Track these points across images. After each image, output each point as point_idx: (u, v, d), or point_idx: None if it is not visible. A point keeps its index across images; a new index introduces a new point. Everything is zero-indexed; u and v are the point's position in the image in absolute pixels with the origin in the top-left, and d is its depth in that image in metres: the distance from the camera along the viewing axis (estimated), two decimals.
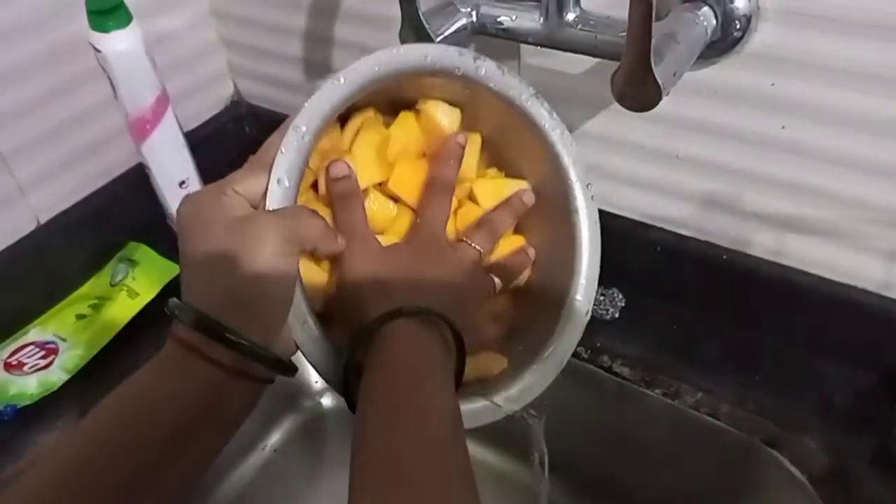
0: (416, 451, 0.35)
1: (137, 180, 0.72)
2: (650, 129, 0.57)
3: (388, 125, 0.50)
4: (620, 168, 0.61)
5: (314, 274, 0.45)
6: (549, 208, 0.52)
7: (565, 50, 0.51)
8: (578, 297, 0.51)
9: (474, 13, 0.54)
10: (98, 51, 0.61)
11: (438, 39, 0.51)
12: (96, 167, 0.73)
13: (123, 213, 0.74)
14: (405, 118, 0.50)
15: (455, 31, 0.53)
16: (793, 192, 0.54)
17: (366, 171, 0.47)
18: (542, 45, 0.52)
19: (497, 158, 0.54)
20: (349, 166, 0.46)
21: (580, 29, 0.50)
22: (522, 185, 0.53)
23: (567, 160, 0.50)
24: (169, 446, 0.37)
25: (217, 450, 0.40)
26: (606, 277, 0.66)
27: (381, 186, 0.49)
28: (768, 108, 0.51)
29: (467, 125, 0.51)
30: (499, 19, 0.53)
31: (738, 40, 0.49)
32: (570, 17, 0.50)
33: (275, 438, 0.80)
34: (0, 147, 0.64)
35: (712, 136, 0.55)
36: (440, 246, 0.48)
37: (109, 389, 0.38)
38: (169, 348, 0.38)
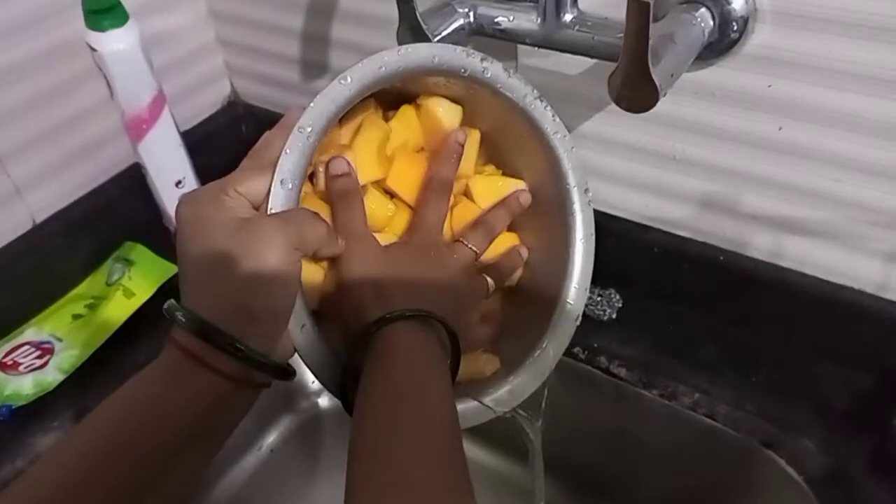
0: (415, 458, 0.35)
1: (134, 180, 0.72)
2: (647, 131, 0.57)
3: (386, 117, 0.49)
4: (618, 169, 0.61)
5: (310, 272, 0.44)
6: (545, 209, 0.52)
7: (563, 51, 0.51)
8: (570, 300, 0.51)
9: (472, 14, 0.54)
10: (94, 50, 0.61)
11: (436, 40, 0.51)
12: (93, 167, 0.73)
13: (120, 212, 0.74)
14: (406, 112, 0.50)
15: (452, 32, 0.53)
16: (790, 194, 0.54)
17: (366, 167, 0.47)
18: (539, 46, 0.52)
19: (495, 155, 0.54)
20: (349, 163, 0.45)
21: (577, 30, 0.50)
22: (519, 184, 0.53)
23: (567, 164, 0.50)
24: (170, 452, 0.37)
25: (214, 452, 0.40)
26: (604, 278, 0.66)
27: (379, 182, 0.49)
28: (765, 110, 0.51)
29: (467, 121, 0.51)
30: (496, 20, 0.53)
31: (735, 42, 0.49)
32: (568, 17, 0.50)
33: (272, 439, 0.80)
34: None
35: (710, 138, 0.55)
36: (437, 247, 0.48)
37: (106, 390, 0.37)
38: (170, 355, 0.38)
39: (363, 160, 0.46)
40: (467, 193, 0.52)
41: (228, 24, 0.79)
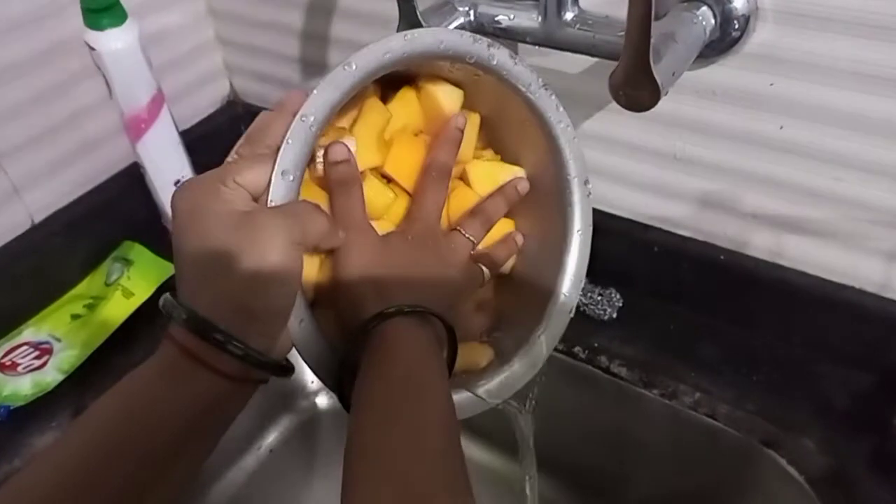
0: (413, 455, 0.34)
1: (133, 179, 0.72)
2: (648, 129, 0.57)
3: (385, 97, 0.48)
4: (618, 168, 0.61)
5: (306, 262, 0.42)
6: (543, 198, 0.51)
7: (563, 49, 0.51)
8: (565, 292, 0.51)
9: (472, 12, 0.53)
10: (93, 49, 0.61)
11: None
12: (91, 166, 0.72)
13: (118, 212, 0.73)
14: (406, 95, 0.48)
15: None
16: (791, 193, 0.54)
17: (365, 154, 0.45)
18: (540, 45, 0.52)
19: (494, 140, 0.53)
20: (349, 149, 0.44)
21: (578, 28, 0.50)
22: (518, 171, 0.52)
23: (568, 154, 0.49)
24: (169, 451, 0.36)
25: (211, 449, 0.39)
26: (604, 278, 0.66)
27: (377, 168, 0.48)
28: (767, 108, 0.51)
29: (467, 104, 0.50)
30: (497, 18, 0.52)
31: (736, 40, 0.49)
32: (569, 16, 0.50)
33: (271, 438, 0.80)
34: None
35: (711, 137, 0.55)
36: (435, 237, 0.47)
37: (105, 390, 0.37)
38: (168, 353, 0.37)
39: (363, 146, 0.45)
40: (464, 178, 0.51)
41: (228, 22, 0.79)
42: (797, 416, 0.56)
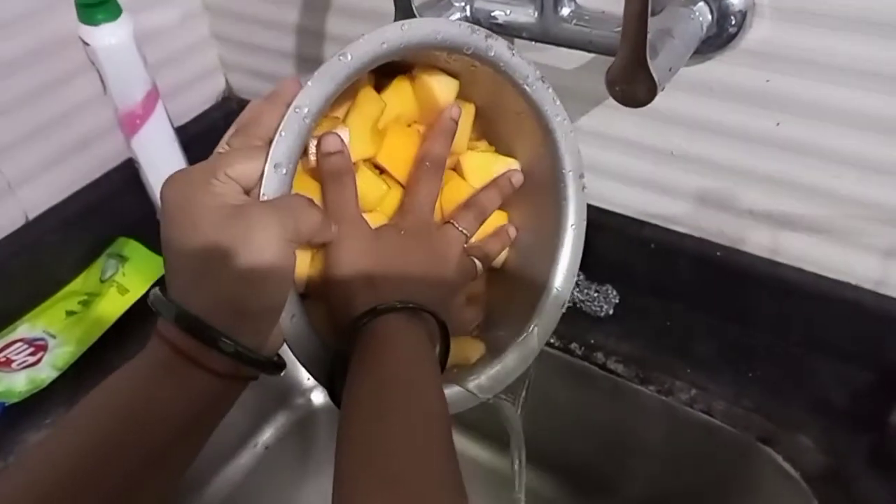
0: (404, 451, 0.34)
1: (128, 176, 0.71)
2: (645, 125, 0.57)
3: (379, 85, 0.48)
4: (615, 164, 0.61)
5: (298, 255, 0.42)
6: (537, 191, 0.51)
7: (560, 45, 0.51)
8: (557, 286, 0.50)
9: (468, 7, 0.53)
10: (87, 45, 0.61)
11: None
12: (86, 163, 0.72)
13: (113, 208, 0.73)
14: (401, 85, 0.48)
15: None
16: (788, 189, 0.54)
17: (359, 145, 0.45)
18: (536, 41, 0.52)
19: (488, 132, 0.53)
20: (342, 140, 0.43)
21: (575, 24, 0.49)
22: (512, 163, 0.51)
23: (564, 148, 0.49)
24: (163, 448, 0.36)
25: (202, 446, 0.39)
26: (600, 274, 0.66)
27: (370, 159, 0.47)
28: (763, 105, 0.51)
29: (463, 94, 0.49)
30: (493, 14, 0.52)
31: (733, 36, 0.48)
32: (565, 11, 0.50)
33: (266, 435, 0.80)
34: None
35: (707, 133, 0.55)
36: (429, 231, 0.47)
37: None
38: (159, 350, 0.36)
39: (357, 136, 0.44)
40: (458, 169, 0.51)
41: (223, 18, 0.79)
42: (794, 412, 0.56)
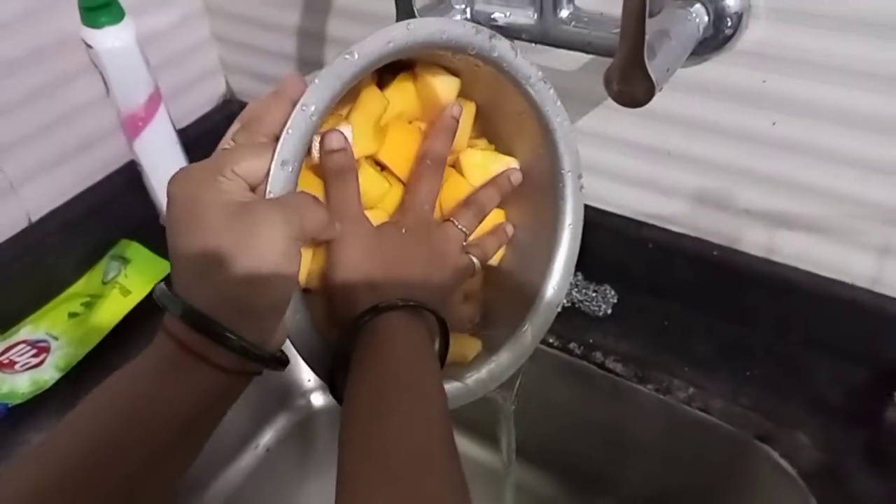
0: (406, 451, 0.34)
1: (130, 178, 0.72)
2: (642, 126, 0.58)
3: (381, 82, 0.48)
4: (613, 164, 0.61)
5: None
6: (535, 190, 0.51)
7: (559, 47, 0.52)
8: (553, 285, 0.51)
9: (468, 9, 0.54)
10: (90, 47, 0.61)
11: None
12: (88, 164, 0.72)
13: (116, 210, 0.73)
14: (403, 82, 0.48)
15: None
16: (784, 189, 0.54)
17: (362, 141, 0.45)
18: (535, 42, 0.52)
19: (488, 130, 0.53)
20: (346, 137, 0.43)
21: (574, 26, 0.50)
22: (511, 162, 0.52)
23: (563, 148, 0.49)
24: (167, 446, 0.36)
25: (203, 444, 0.39)
26: (599, 274, 0.67)
27: (371, 156, 0.47)
28: (759, 105, 0.52)
29: (464, 91, 0.50)
30: (493, 16, 0.53)
31: (729, 37, 0.49)
32: (564, 13, 0.50)
33: (267, 437, 0.80)
34: None
35: (704, 133, 0.55)
36: (429, 229, 0.47)
37: None
38: (165, 347, 0.36)
39: (360, 133, 0.44)
40: (457, 166, 0.51)
41: (224, 20, 0.79)
42: (791, 410, 0.57)
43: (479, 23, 0.53)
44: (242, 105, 0.83)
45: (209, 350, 0.36)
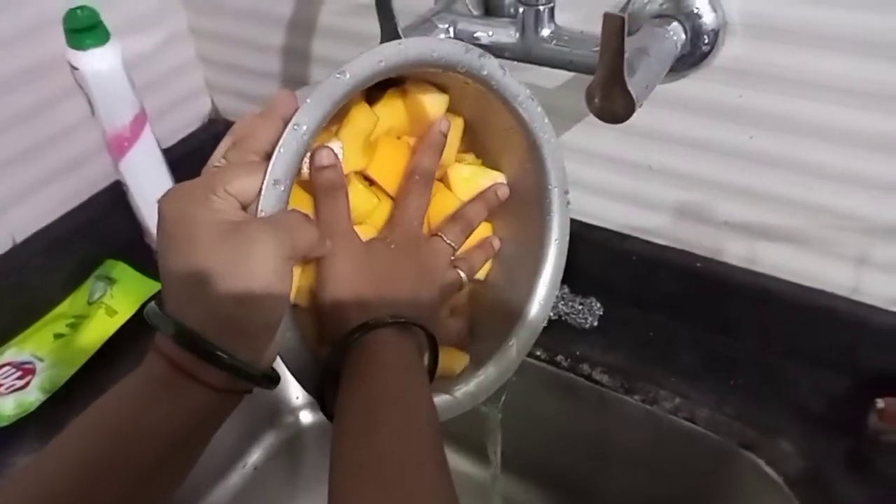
0: (396, 465, 0.35)
1: (115, 198, 0.72)
2: (624, 141, 0.59)
3: (370, 98, 0.48)
4: (596, 179, 0.62)
5: None
6: (521, 205, 0.52)
7: (541, 65, 0.52)
8: (539, 299, 0.51)
9: (451, 29, 0.54)
10: (75, 68, 0.61)
11: None
12: (74, 185, 0.72)
13: (101, 231, 0.73)
14: (392, 99, 0.48)
15: None
16: (762, 201, 0.55)
17: (351, 157, 0.45)
18: (518, 60, 0.53)
19: (476, 145, 0.53)
20: (335, 154, 0.43)
21: (555, 44, 0.51)
22: (498, 177, 0.52)
23: (550, 164, 0.50)
24: (157, 466, 0.36)
25: (193, 464, 0.39)
26: (584, 287, 0.67)
27: (360, 171, 0.47)
28: (737, 120, 0.53)
29: (452, 107, 0.50)
30: (475, 35, 0.54)
31: (706, 54, 0.50)
32: (546, 32, 0.51)
33: (255, 455, 0.80)
34: None
35: (684, 147, 0.56)
36: (417, 243, 0.47)
37: None
38: (156, 366, 0.36)
39: (349, 149, 0.45)
40: (445, 181, 0.52)
41: (208, 41, 0.80)
42: (774, 419, 0.57)
43: (462, 41, 0.54)
44: (228, 124, 0.84)
45: (200, 369, 0.36)
